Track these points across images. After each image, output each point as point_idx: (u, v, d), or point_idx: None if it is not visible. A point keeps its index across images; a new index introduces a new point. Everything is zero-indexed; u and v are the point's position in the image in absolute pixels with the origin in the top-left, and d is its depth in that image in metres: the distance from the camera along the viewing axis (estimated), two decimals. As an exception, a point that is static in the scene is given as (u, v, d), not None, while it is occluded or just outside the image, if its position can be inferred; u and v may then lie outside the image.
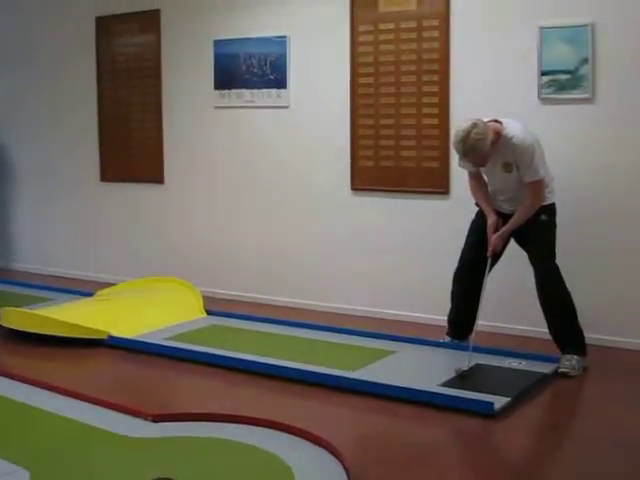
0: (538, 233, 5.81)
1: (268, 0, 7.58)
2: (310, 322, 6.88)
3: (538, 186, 5.68)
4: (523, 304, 6.46)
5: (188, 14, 8.12)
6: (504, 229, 5.81)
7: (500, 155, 5.69)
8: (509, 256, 6.05)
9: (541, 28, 6.24)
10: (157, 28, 8.36)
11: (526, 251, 5.88)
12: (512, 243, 5.93)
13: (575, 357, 5.65)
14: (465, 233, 6.16)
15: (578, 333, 5.73)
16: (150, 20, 8.39)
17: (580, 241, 6.26)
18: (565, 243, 5.88)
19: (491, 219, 5.85)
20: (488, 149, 5.58)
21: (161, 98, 8.40)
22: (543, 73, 6.29)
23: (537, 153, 5.64)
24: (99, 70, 8.87)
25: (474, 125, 5.52)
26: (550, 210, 5.82)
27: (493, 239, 5.81)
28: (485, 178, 5.96)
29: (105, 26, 8.76)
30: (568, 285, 5.67)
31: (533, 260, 5.82)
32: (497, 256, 5.97)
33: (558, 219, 5.82)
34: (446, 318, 6.28)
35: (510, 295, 6.54)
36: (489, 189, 5.98)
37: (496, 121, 5.71)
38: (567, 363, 5.62)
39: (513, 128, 5.67)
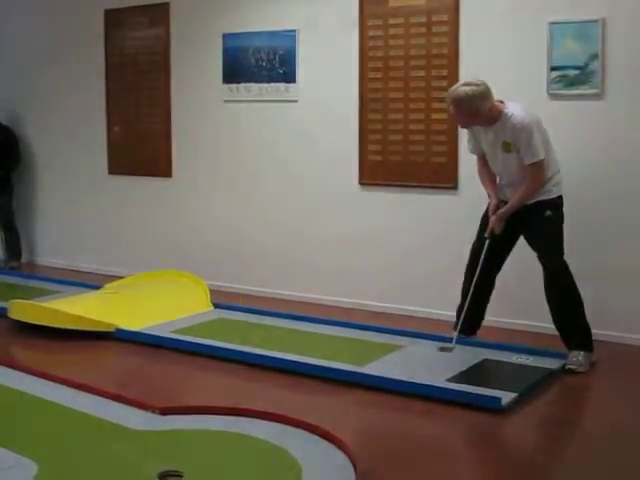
0: (544, 230, 5.79)
1: (277, -6, 7.60)
2: (318, 316, 6.87)
3: (538, 168, 5.65)
4: (531, 300, 6.44)
5: (197, 7, 8.11)
6: (503, 210, 5.81)
7: (500, 134, 5.70)
8: (516, 251, 6.05)
9: (550, 23, 6.23)
10: (166, 21, 8.35)
11: (533, 249, 5.85)
12: (521, 239, 5.93)
13: (582, 353, 5.65)
14: (473, 228, 6.17)
15: (585, 329, 5.72)
16: (159, 13, 8.39)
17: (587, 237, 6.26)
18: (572, 239, 5.87)
19: (492, 202, 5.90)
20: (474, 110, 5.60)
21: (170, 92, 8.40)
22: (552, 68, 6.28)
23: (536, 134, 5.61)
24: (108, 63, 8.87)
25: (471, 82, 5.62)
26: (555, 205, 5.79)
27: (492, 220, 5.83)
28: (489, 162, 5.95)
29: (114, 19, 8.75)
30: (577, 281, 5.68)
31: (541, 257, 5.79)
32: (503, 249, 5.97)
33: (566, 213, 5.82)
34: (454, 313, 6.28)
35: (518, 291, 6.53)
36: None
37: (501, 102, 5.71)
38: (574, 359, 5.62)
39: (514, 108, 5.67)
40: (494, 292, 6.14)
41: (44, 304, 6.83)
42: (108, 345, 6.37)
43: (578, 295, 5.70)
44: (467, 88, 5.59)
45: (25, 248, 9.73)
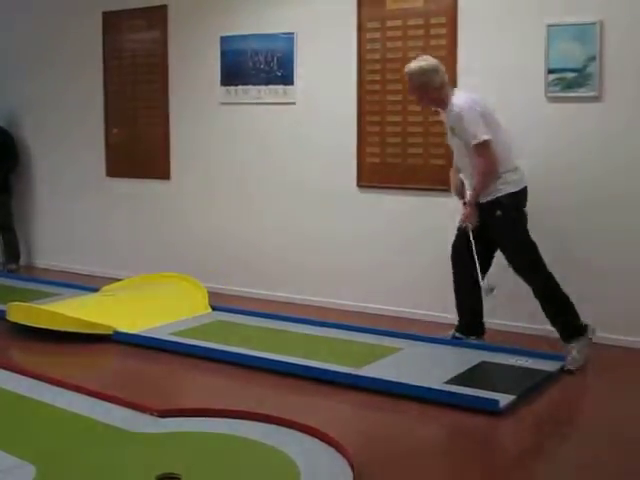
0: (499, 232, 5.91)
1: (275, -4, 7.60)
2: (315, 319, 6.87)
3: (483, 149, 5.74)
4: (529, 302, 6.45)
5: (195, 10, 8.12)
6: (468, 198, 5.93)
7: (449, 119, 5.94)
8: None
9: (548, 26, 6.23)
10: (164, 24, 8.36)
11: (500, 250, 5.99)
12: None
13: (575, 346, 5.71)
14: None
15: (570, 321, 5.80)
16: (157, 16, 8.39)
17: (581, 239, 6.28)
18: (572, 242, 5.89)
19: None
20: (424, 84, 5.88)
21: (168, 94, 8.41)
22: (550, 71, 6.28)
23: (471, 117, 5.75)
24: (106, 65, 8.88)
25: (425, 58, 5.96)
26: (502, 204, 5.83)
27: (463, 211, 5.97)
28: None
29: (112, 21, 8.76)
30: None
31: (508, 261, 5.91)
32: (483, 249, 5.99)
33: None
34: (452, 315, 6.29)
35: (516, 293, 6.52)
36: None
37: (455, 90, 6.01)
38: (569, 358, 5.65)
39: (459, 95, 5.92)
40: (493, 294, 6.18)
41: (42, 307, 6.83)
42: (106, 347, 6.37)
43: (554, 289, 5.79)
44: (420, 62, 5.91)
45: (23, 250, 9.74)
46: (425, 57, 6.00)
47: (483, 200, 5.87)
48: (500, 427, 4.73)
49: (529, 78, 6.38)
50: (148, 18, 8.47)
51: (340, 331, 6.55)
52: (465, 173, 6.03)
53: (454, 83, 6.64)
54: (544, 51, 6.27)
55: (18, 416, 4.92)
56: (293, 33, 7.47)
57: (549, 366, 5.60)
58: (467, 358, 5.76)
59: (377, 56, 7.06)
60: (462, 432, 4.76)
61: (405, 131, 6.98)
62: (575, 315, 5.80)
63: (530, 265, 5.83)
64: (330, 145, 7.38)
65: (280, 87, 7.57)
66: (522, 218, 5.90)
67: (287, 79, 7.54)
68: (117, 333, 6.46)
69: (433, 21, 6.78)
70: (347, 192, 7.31)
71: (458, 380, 5.29)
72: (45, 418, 4.86)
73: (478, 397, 4.92)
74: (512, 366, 5.63)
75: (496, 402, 4.82)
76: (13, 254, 9.56)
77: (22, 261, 9.68)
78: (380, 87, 7.06)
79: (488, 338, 6.21)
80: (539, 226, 6.13)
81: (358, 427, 4.91)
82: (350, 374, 5.42)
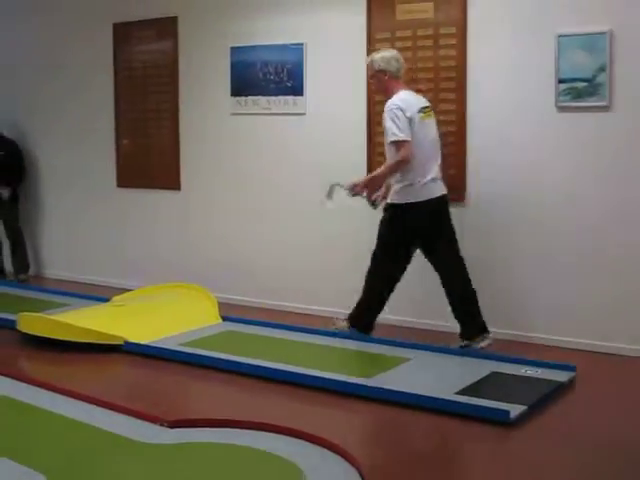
0: (380, 228, 6.40)
1: (285, 7, 7.60)
2: (326, 329, 6.86)
3: (396, 148, 6.09)
4: (538, 312, 6.47)
5: (205, 21, 8.14)
6: (366, 177, 6.47)
7: None
8: (525, 265, 6.06)
9: (558, 36, 6.24)
10: (174, 35, 8.39)
11: None
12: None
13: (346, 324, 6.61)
14: (483, 241, 6.27)
15: (360, 309, 6.52)
16: (167, 27, 8.42)
17: (590, 246, 6.28)
18: (569, 247, 5.89)
19: None
20: (375, 71, 6.32)
21: (178, 105, 8.43)
22: (560, 81, 6.28)
23: (395, 117, 6.06)
24: (116, 76, 8.91)
25: (387, 51, 6.38)
26: (393, 210, 6.30)
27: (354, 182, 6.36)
28: None
29: (122, 33, 8.80)
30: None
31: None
32: None
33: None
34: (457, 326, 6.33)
35: (525, 304, 6.53)
36: None
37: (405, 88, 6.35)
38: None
39: (398, 94, 6.23)
40: (500, 305, 6.23)
41: (53, 317, 6.83)
42: (117, 358, 6.37)
43: (370, 287, 6.45)
44: (374, 55, 6.37)
45: (33, 261, 9.77)
46: (387, 49, 6.49)
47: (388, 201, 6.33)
48: (511, 438, 4.71)
49: (540, 88, 6.37)
50: (158, 29, 8.50)
51: (349, 341, 6.54)
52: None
53: (463, 93, 6.65)
54: (554, 61, 6.27)
55: (29, 426, 4.92)
56: (303, 44, 7.48)
57: (559, 376, 5.59)
58: (477, 368, 5.75)
59: (387, 66, 7.06)
60: (473, 443, 4.75)
61: (415, 141, 6.97)
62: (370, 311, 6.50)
63: (377, 263, 6.42)
64: (339, 155, 7.38)
65: (290, 98, 7.59)
66: (404, 229, 6.31)
67: (297, 90, 7.55)
68: (127, 343, 6.46)
69: (443, 31, 6.78)
70: (357, 203, 7.28)
71: (469, 390, 5.27)
72: (56, 428, 4.87)
73: (489, 408, 4.91)
74: (523, 376, 5.61)
75: (507, 413, 4.80)
76: (23, 264, 9.59)
77: (32, 271, 9.71)
78: (390, 97, 7.06)
79: (499, 348, 6.20)
80: (554, 234, 6.17)
81: (369, 438, 4.91)
82: (361, 384, 5.40)
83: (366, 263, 6.89)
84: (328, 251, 7.53)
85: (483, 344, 6.23)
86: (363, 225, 7.11)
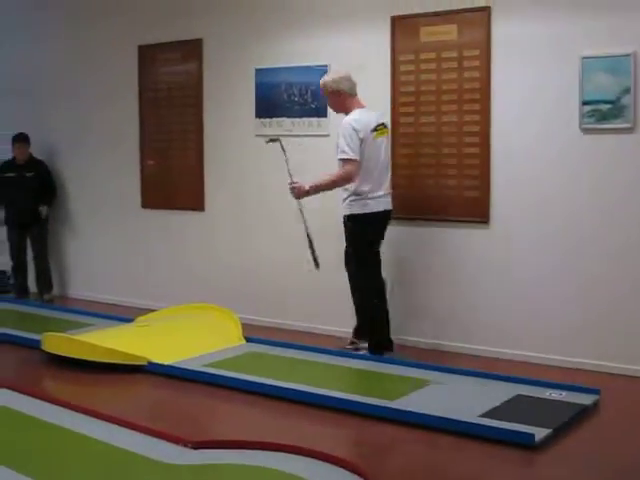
0: (347, 238, 6.78)
1: (310, 30, 7.63)
2: (349, 351, 6.85)
3: (344, 164, 6.51)
4: (564, 335, 6.44)
5: (230, 43, 8.18)
6: (310, 184, 6.71)
7: None
8: (550, 286, 6.04)
9: (583, 58, 6.23)
10: (199, 57, 8.44)
11: None
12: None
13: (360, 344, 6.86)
14: (505, 261, 6.31)
15: (366, 324, 6.80)
16: (192, 49, 8.47)
17: (617, 267, 6.25)
18: (596, 267, 5.86)
19: None
20: (327, 91, 6.75)
21: (202, 126, 8.47)
22: (584, 103, 6.27)
23: (347, 136, 6.46)
24: (141, 98, 8.97)
25: (338, 73, 6.75)
26: (355, 220, 6.66)
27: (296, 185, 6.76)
28: None
29: (148, 55, 8.86)
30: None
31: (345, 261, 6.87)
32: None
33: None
34: (488, 348, 6.31)
35: (551, 326, 6.50)
36: None
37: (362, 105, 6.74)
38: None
39: (354, 112, 6.63)
40: (524, 327, 6.21)
41: (77, 337, 6.86)
42: (140, 378, 6.39)
43: (361, 296, 6.76)
44: (326, 76, 6.79)
45: (57, 281, 9.81)
46: (339, 69, 6.86)
47: (344, 213, 6.71)
48: (536, 461, 4.68)
49: (564, 110, 6.36)
50: (183, 51, 8.55)
51: (372, 363, 6.53)
52: None
53: (488, 115, 6.65)
54: (579, 83, 6.26)
55: (52, 446, 4.93)
56: (327, 66, 7.50)
57: (584, 399, 5.55)
58: (501, 391, 5.71)
59: (411, 88, 7.07)
60: (497, 466, 4.71)
61: (439, 163, 6.97)
62: (368, 323, 6.78)
63: (354, 275, 6.79)
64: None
65: (314, 119, 7.61)
66: (364, 235, 6.72)
67: (321, 111, 7.57)
68: (151, 364, 6.47)
69: (467, 53, 6.78)
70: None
71: (493, 413, 5.24)
72: (79, 448, 4.87)
73: (514, 431, 4.88)
74: (547, 399, 5.57)
75: (532, 436, 4.78)
76: (47, 284, 9.63)
77: (56, 291, 9.75)
78: (414, 119, 7.07)
79: (523, 371, 6.17)
80: (580, 254, 6.16)
81: (391, 460, 4.88)
82: (384, 406, 5.39)
83: (393, 282, 6.94)
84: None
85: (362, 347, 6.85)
86: (389, 244, 7.11)
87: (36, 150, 9.64)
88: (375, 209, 6.66)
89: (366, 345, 6.81)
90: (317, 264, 6.75)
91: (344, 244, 6.91)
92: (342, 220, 6.75)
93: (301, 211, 6.80)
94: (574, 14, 6.32)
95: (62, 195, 9.77)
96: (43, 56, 9.81)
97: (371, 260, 6.78)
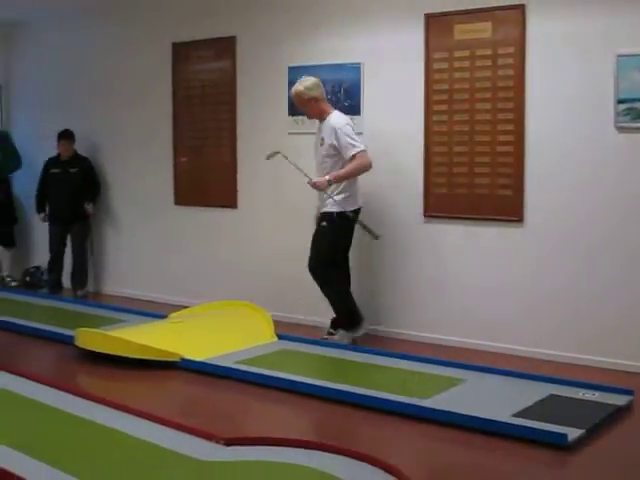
0: (317, 238, 7.12)
1: (342, 27, 7.63)
2: (380, 349, 6.85)
3: (360, 157, 6.88)
4: (597, 334, 6.40)
5: (263, 41, 8.20)
6: (332, 174, 6.92)
7: (323, 130, 7.07)
8: (589, 285, 6.02)
9: (618, 56, 6.19)
10: (232, 54, 8.46)
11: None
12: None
13: (341, 331, 7.13)
14: (539, 260, 6.43)
15: (341, 314, 7.15)
16: (226, 47, 8.50)
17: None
18: (628, 268, 5.85)
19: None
20: (303, 100, 7.10)
21: (236, 123, 8.50)
22: (620, 101, 6.22)
23: (345, 134, 6.88)
24: (175, 95, 9.01)
25: (308, 80, 7.09)
26: (331, 218, 7.01)
27: (318, 179, 7.01)
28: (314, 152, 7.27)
29: (181, 52, 8.89)
30: None
31: (309, 259, 7.13)
32: None
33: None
34: (519, 347, 6.28)
35: (583, 326, 6.47)
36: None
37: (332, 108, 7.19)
38: (336, 337, 7.13)
39: (336, 114, 7.09)
40: (557, 327, 6.22)
41: (110, 333, 6.90)
42: (172, 374, 6.41)
43: (334, 290, 7.12)
44: (298, 85, 7.09)
45: (91, 277, 9.88)
46: (307, 77, 7.15)
47: (321, 210, 7.10)
48: (568, 462, 4.66)
49: (599, 108, 6.33)
50: (217, 49, 8.58)
51: (403, 361, 6.52)
52: (317, 173, 7.10)
53: (522, 113, 6.62)
54: (614, 81, 6.22)
55: (84, 441, 4.97)
56: (360, 63, 7.50)
57: (617, 400, 5.51)
58: (534, 390, 5.69)
59: (445, 86, 7.05)
60: (530, 466, 4.69)
61: (472, 161, 6.95)
62: (344, 313, 7.13)
63: (320, 273, 7.09)
64: (397, 174, 7.37)
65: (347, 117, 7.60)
66: (350, 231, 7.12)
67: (354, 109, 7.56)
68: (184, 360, 6.50)
69: (501, 51, 6.75)
70: (414, 222, 7.29)
71: (526, 413, 5.22)
72: (111, 444, 4.90)
73: (546, 431, 4.86)
74: (580, 399, 5.54)
75: (564, 436, 4.75)
76: (81, 281, 9.70)
77: (91, 287, 9.82)
78: (447, 117, 7.05)
79: (556, 371, 6.14)
80: (613, 255, 6.12)
81: (424, 459, 4.88)
82: (416, 405, 5.38)
83: (425, 280, 6.96)
84: (386, 270, 7.52)
85: (335, 337, 7.17)
86: (421, 244, 7.10)
87: (79, 147, 9.71)
88: (359, 204, 7.14)
89: (343, 333, 7.18)
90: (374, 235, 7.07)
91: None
92: (320, 219, 7.14)
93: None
94: (609, 11, 6.28)
95: (102, 192, 9.83)
96: (83, 54, 9.91)
97: (340, 257, 7.23)
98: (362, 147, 6.88)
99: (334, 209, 6.99)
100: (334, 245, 7.12)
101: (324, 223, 7.06)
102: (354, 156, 6.86)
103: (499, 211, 6.82)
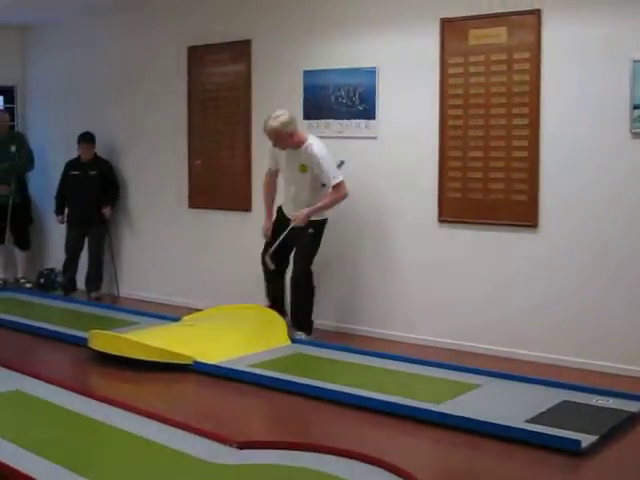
0: (303, 243, 7.35)
1: (358, 31, 7.63)
2: (394, 353, 6.85)
3: (339, 187, 7.18)
4: (611, 341, 6.38)
5: (278, 45, 8.21)
6: (309, 210, 7.24)
7: (301, 158, 7.26)
8: (602, 290, 6.00)
9: (634, 61, 6.17)
10: (248, 58, 8.47)
11: (294, 257, 7.47)
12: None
13: (303, 334, 7.37)
14: (553, 265, 6.47)
15: (309, 319, 7.45)
16: (241, 50, 8.51)
17: None
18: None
19: (266, 223, 7.67)
20: (281, 135, 7.21)
21: (250, 127, 8.50)
22: (635, 107, 6.20)
23: (327, 162, 7.16)
24: (190, 98, 9.02)
25: (282, 116, 7.18)
26: (319, 225, 7.38)
27: (296, 216, 7.28)
28: (286, 179, 7.57)
29: (197, 55, 8.91)
30: None
31: (294, 263, 7.46)
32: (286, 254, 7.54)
33: None
34: (533, 353, 6.27)
35: (596, 332, 6.45)
36: (286, 186, 7.60)
37: (305, 134, 7.37)
38: (297, 337, 7.35)
39: (313, 141, 7.26)
40: (569, 333, 6.36)
41: (124, 335, 6.91)
42: (185, 377, 6.42)
43: (312, 296, 7.46)
44: (280, 118, 7.17)
45: (106, 279, 9.89)
46: (280, 111, 7.23)
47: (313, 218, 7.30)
48: (582, 468, 4.65)
49: (614, 114, 6.31)
50: (232, 52, 8.59)
51: (419, 366, 6.51)
52: (298, 201, 7.37)
53: (537, 118, 6.61)
54: (629, 86, 6.20)
55: (97, 443, 4.99)
56: (375, 68, 7.50)
57: (631, 406, 5.49)
58: (547, 396, 5.68)
59: (459, 91, 7.04)
60: (543, 472, 4.68)
61: (487, 166, 6.93)
62: (310, 317, 7.47)
63: (306, 274, 7.38)
64: (411, 179, 7.37)
65: (362, 121, 7.60)
66: (321, 238, 7.44)
67: (369, 113, 7.56)
68: (197, 363, 6.51)
69: (516, 56, 6.74)
70: (428, 227, 7.28)
71: (539, 419, 5.21)
72: (124, 446, 4.91)
73: (560, 437, 4.84)
74: (594, 406, 5.53)
75: (578, 442, 4.74)
76: (96, 283, 9.72)
77: (105, 290, 9.83)
78: (462, 122, 7.04)
79: (569, 377, 6.12)
80: (629, 261, 6.12)
81: (437, 464, 4.88)
82: (431, 410, 5.37)
83: (439, 285, 6.99)
84: (400, 272, 7.52)
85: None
86: (435, 248, 7.10)
87: (99, 150, 9.74)
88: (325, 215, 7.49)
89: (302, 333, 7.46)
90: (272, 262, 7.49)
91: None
92: (295, 229, 7.32)
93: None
94: (625, 17, 6.26)
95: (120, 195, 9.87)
96: (99, 57, 9.97)
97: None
98: (341, 177, 7.19)
99: (320, 217, 7.37)
100: (316, 252, 7.46)
101: (311, 230, 7.33)
102: (335, 186, 7.17)
103: (514, 216, 6.81)
